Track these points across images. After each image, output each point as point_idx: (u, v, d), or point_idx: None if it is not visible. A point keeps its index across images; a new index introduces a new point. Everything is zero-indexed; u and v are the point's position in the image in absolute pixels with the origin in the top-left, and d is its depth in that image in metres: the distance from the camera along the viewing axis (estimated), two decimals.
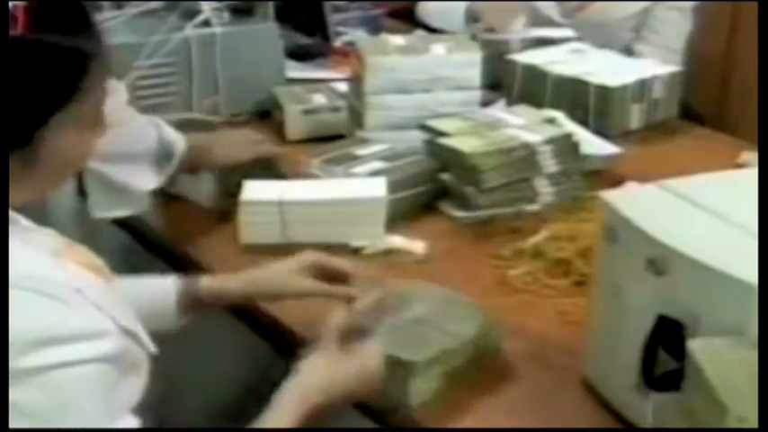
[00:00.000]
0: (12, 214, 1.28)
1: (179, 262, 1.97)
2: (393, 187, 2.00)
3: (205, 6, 2.53)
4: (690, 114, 2.72)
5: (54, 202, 2.26)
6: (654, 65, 2.63)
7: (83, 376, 1.20)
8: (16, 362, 1.15)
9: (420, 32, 2.86)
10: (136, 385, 1.32)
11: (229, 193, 2.05)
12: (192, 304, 1.64)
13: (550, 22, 3.00)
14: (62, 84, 1.25)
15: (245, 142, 2.17)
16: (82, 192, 2.06)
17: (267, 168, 2.14)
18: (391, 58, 2.29)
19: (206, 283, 1.65)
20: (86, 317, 1.22)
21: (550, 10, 3.06)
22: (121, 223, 2.14)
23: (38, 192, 1.30)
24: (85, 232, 2.00)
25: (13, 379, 1.15)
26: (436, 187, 2.10)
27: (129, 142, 1.96)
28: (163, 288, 1.64)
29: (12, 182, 1.25)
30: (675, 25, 3.08)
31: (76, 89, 1.26)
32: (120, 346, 1.25)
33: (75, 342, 1.20)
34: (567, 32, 2.87)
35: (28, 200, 1.31)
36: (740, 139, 2.47)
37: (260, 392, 1.44)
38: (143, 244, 2.14)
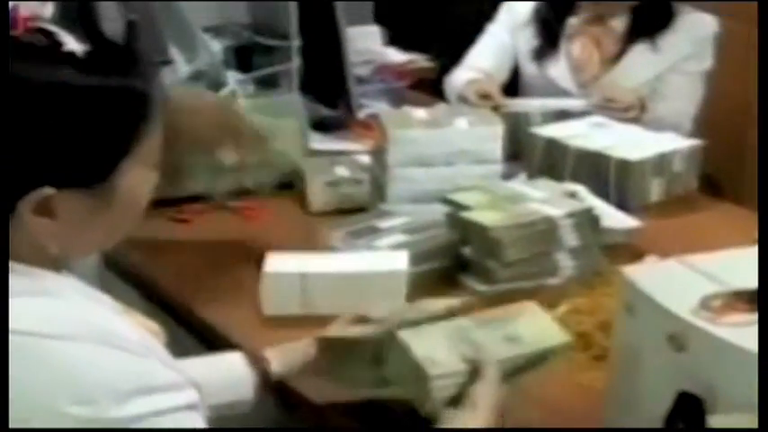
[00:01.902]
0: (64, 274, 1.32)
1: (197, 328, 2.00)
2: (414, 260, 2.02)
3: (231, 78, 2.57)
4: (709, 184, 2.74)
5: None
6: (674, 139, 2.65)
7: (180, 421, 1.25)
8: (114, 412, 1.19)
9: (442, 105, 2.89)
10: None
11: None
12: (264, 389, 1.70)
13: (567, 94, 3.03)
14: (132, 125, 1.29)
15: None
16: None
17: None
18: (414, 131, 2.32)
19: (277, 368, 1.70)
20: (166, 369, 1.26)
21: (567, 82, 3.09)
22: (139, 285, 2.17)
23: (112, 236, 1.36)
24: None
25: (111, 429, 1.19)
26: (457, 260, 2.12)
27: None
28: (239, 378, 1.69)
29: (87, 226, 1.29)
30: (687, 91, 3.10)
31: (143, 129, 1.30)
32: (197, 396, 1.29)
33: (167, 391, 1.24)
34: (585, 104, 2.89)
35: (102, 245, 1.38)
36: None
37: None
38: (160, 305, 2.17)
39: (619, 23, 3.09)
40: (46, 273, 1.29)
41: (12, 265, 1.27)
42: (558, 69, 3.12)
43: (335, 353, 1.68)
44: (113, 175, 1.29)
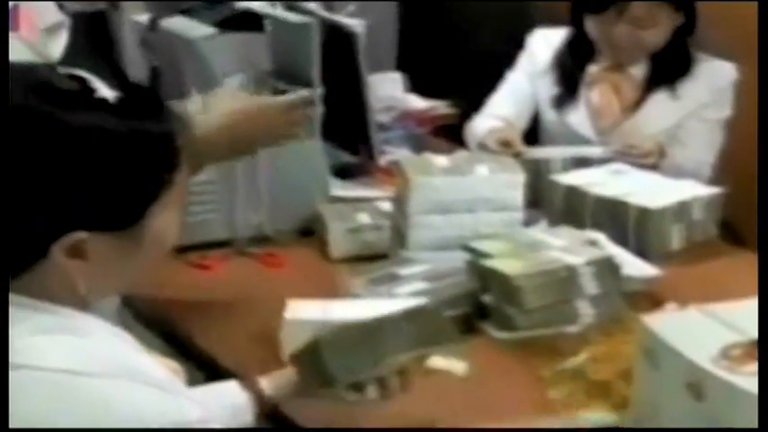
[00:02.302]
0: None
1: (216, 372, 2.01)
2: None
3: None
4: (729, 232, 2.74)
5: None
6: (693, 186, 2.66)
7: None
8: None
9: (463, 152, 2.90)
10: None
11: None
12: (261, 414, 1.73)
13: (586, 141, 3.04)
14: (162, 170, 1.33)
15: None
16: None
17: None
18: (435, 178, 2.33)
19: (270, 392, 1.74)
20: (194, 405, 1.29)
21: (586, 129, 3.10)
22: (158, 327, 2.18)
23: (138, 276, 1.39)
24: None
25: None
26: (478, 308, 2.13)
27: None
28: (240, 405, 1.71)
29: (116, 268, 1.33)
30: (706, 139, 3.11)
31: (173, 173, 1.33)
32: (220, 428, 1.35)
33: (197, 425, 1.27)
34: (605, 150, 2.91)
35: (128, 286, 1.42)
36: None
37: None
38: (178, 349, 2.18)
39: (638, 71, 3.10)
40: (73, 312, 1.32)
41: (39, 303, 1.29)
42: (578, 116, 3.13)
43: (304, 366, 1.72)
44: (144, 219, 1.32)
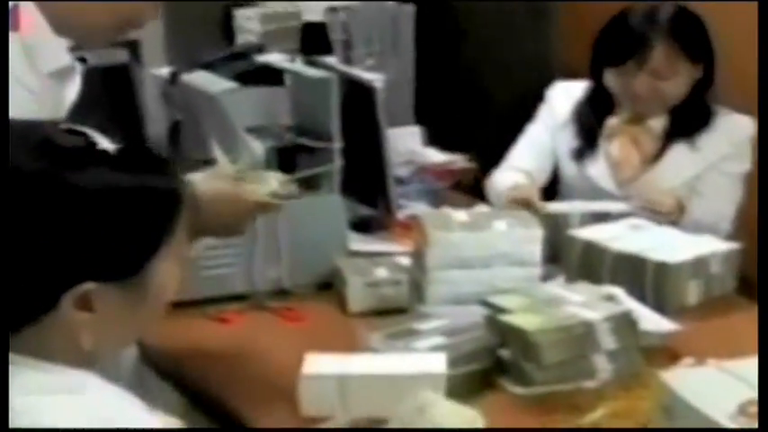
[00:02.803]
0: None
1: (234, 427, 2.01)
2: (453, 363, 2.03)
3: (273, 179, 2.60)
4: (747, 286, 2.74)
5: None
6: (711, 241, 2.66)
7: None
8: None
9: (482, 207, 2.92)
10: None
11: None
12: None
13: (606, 194, 3.05)
14: (163, 221, 1.38)
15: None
16: None
17: None
18: (454, 234, 2.34)
19: None
20: None
21: (606, 182, 3.11)
22: (176, 382, 2.19)
23: (140, 330, 1.45)
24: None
25: None
26: (496, 363, 2.13)
27: None
28: None
29: (121, 320, 1.37)
30: (726, 192, 3.11)
31: (173, 224, 1.39)
32: None
33: None
34: (624, 206, 2.91)
35: (131, 340, 1.48)
36: None
37: None
38: (197, 403, 2.19)
39: (657, 124, 3.11)
40: (71, 370, 1.34)
41: (32, 361, 1.31)
42: (598, 169, 3.14)
43: None
44: (147, 269, 1.36)
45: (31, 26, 2.07)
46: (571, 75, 3.43)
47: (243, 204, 2.23)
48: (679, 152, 3.10)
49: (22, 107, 1.96)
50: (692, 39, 3.05)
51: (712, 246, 2.62)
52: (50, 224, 1.28)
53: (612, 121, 3.14)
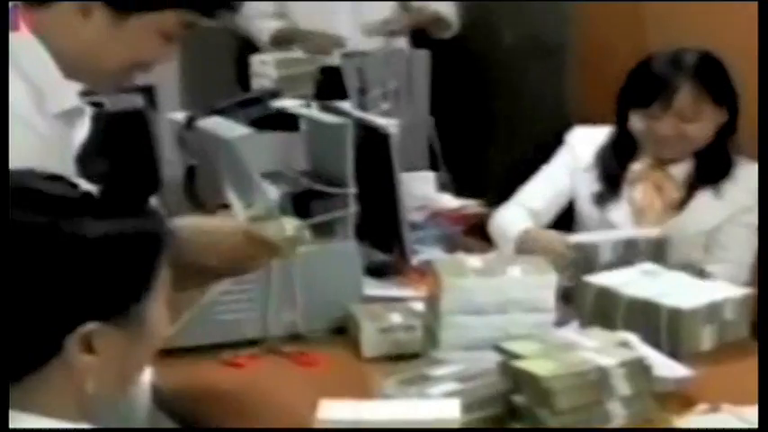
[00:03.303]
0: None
1: None
2: (466, 409, 2.03)
3: (287, 224, 2.61)
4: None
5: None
6: (725, 287, 2.66)
7: None
8: None
9: (496, 252, 2.93)
10: None
11: None
12: None
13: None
14: (153, 260, 1.45)
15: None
16: None
17: None
18: (468, 280, 2.34)
19: None
20: None
21: (628, 227, 3.11)
22: (190, 428, 2.19)
23: (140, 369, 1.51)
24: None
25: None
26: (509, 409, 2.13)
27: None
28: None
29: (121, 361, 1.43)
30: (745, 242, 3.12)
31: (161, 263, 1.46)
32: None
33: None
34: (653, 230, 2.92)
35: (129, 382, 1.50)
36: None
37: None
38: None
39: (680, 170, 3.13)
40: (64, 423, 1.38)
41: (38, 419, 1.33)
42: (620, 214, 3.15)
43: None
44: (142, 307, 1.43)
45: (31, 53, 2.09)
46: (584, 120, 3.45)
47: (242, 237, 2.24)
48: (703, 199, 3.11)
49: (28, 149, 1.98)
50: (717, 82, 3.09)
51: (726, 291, 2.62)
52: (50, 272, 1.34)
53: (636, 166, 3.16)
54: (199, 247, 2.15)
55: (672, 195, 3.13)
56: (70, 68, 2.15)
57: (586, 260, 2.81)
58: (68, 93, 2.16)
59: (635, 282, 2.64)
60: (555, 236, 3.01)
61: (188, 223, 2.17)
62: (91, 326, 1.36)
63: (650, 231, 2.97)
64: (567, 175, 3.26)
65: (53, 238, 1.35)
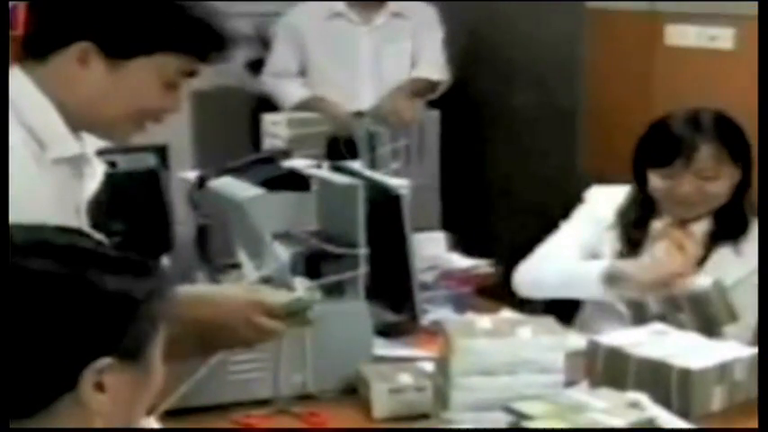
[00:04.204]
0: None
1: None
2: None
3: (298, 284, 2.62)
4: None
5: None
6: (735, 347, 2.67)
7: None
8: None
9: (506, 313, 2.93)
10: None
11: None
12: None
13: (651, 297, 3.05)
14: (159, 311, 1.54)
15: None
16: None
17: None
18: (478, 341, 2.34)
19: None
20: None
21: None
22: None
23: (143, 412, 1.56)
24: None
25: None
26: None
27: None
28: None
29: (128, 400, 1.50)
30: (755, 303, 3.11)
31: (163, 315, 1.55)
32: None
33: None
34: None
35: (137, 421, 1.56)
36: None
37: None
38: None
39: (700, 228, 3.14)
40: None
41: None
42: None
43: None
44: (149, 350, 1.51)
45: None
46: (595, 180, 3.47)
47: (245, 313, 2.27)
48: (723, 256, 3.12)
49: (26, 195, 2.01)
50: (734, 140, 3.11)
51: (736, 352, 2.62)
52: (70, 316, 1.42)
53: (657, 225, 3.17)
54: (202, 322, 2.19)
55: (692, 253, 3.13)
56: (75, 120, 2.18)
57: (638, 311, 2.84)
58: (70, 141, 2.19)
59: (645, 342, 2.65)
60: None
61: (192, 296, 2.20)
62: (105, 361, 1.43)
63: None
64: (589, 232, 3.27)
65: (77, 288, 1.43)
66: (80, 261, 1.46)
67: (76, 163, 2.24)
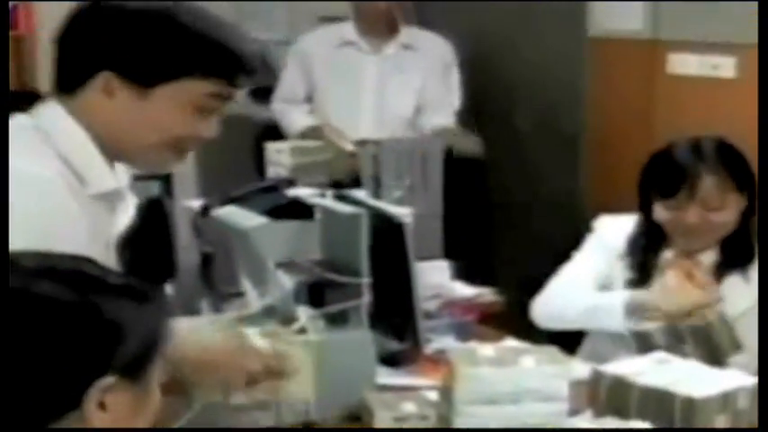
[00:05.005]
0: None
1: None
2: None
3: (302, 313, 2.63)
4: None
5: None
6: (738, 375, 2.67)
7: None
8: None
9: (510, 341, 2.94)
10: None
11: None
12: None
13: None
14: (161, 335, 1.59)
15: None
16: None
17: None
18: (481, 369, 2.35)
19: None
20: None
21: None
22: None
23: (148, 423, 1.59)
24: None
25: None
26: None
27: None
28: None
29: (129, 421, 1.53)
30: (758, 331, 3.12)
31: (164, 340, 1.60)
32: None
33: None
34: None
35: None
36: None
37: None
38: None
39: (708, 258, 3.14)
40: None
41: None
42: None
43: None
44: (149, 371, 1.56)
45: None
46: (599, 208, 3.47)
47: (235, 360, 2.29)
48: (733, 285, 3.12)
49: (70, 229, 2.01)
50: (738, 168, 3.10)
51: (739, 380, 2.62)
52: (76, 339, 1.47)
53: (667, 255, 3.16)
54: (193, 366, 2.20)
55: (702, 283, 3.13)
56: (109, 151, 2.17)
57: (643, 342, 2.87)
58: (107, 176, 2.18)
59: (648, 371, 2.65)
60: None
61: (185, 338, 2.18)
62: (107, 381, 1.47)
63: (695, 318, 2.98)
64: (601, 261, 3.28)
65: (82, 312, 1.48)
66: (86, 286, 1.50)
67: (111, 198, 2.23)
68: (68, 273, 1.52)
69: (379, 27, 5.07)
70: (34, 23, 3.85)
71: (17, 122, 2.19)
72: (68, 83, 2.19)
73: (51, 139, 2.13)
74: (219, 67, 2.19)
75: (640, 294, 3.10)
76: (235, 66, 2.21)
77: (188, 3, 2.22)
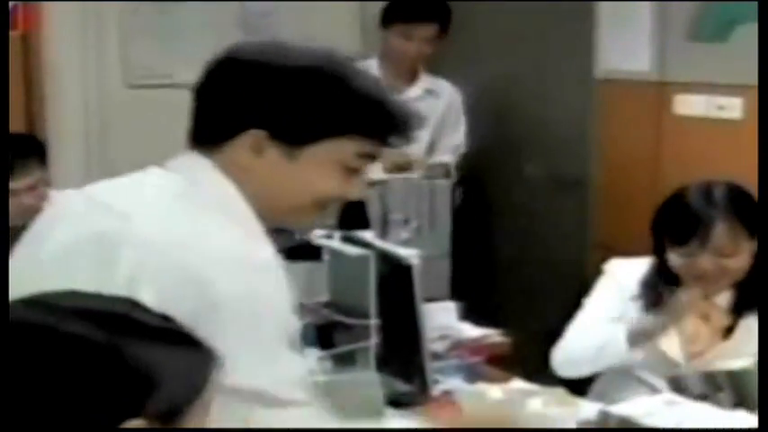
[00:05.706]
0: None
1: None
2: None
3: (310, 355, 2.63)
4: None
5: None
6: (743, 416, 2.66)
7: None
8: None
9: (517, 383, 2.93)
10: None
11: None
12: None
13: (675, 365, 3.05)
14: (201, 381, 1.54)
15: None
16: None
17: None
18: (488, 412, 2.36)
19: None
20: None
21: (677, 354, 3.10)
22: None
23: None
24: None
25: None
26: None
27: None
28: None
29: None
30: None
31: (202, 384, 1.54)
32: None
33: None
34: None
35: None
36: None
37: None
38: None
39: (724, 298, 3.13)
40: None
41: None
42: (669, 342, 3.13)
43: None
44: (184, 416, 1.49)
45: None
46: (605, 249, 3.47)
47: None
48: (749, 325, 3.10)
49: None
50: (749, 213, 3.09)
51: (747, 421, 2.62)
52: (107, 380, 1.43)
53: (683, 297, 3.15)
54: None
55: (718, 323, 3.12)
56: (256, 211, 2.07)
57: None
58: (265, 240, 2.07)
59: (656, 412, 2.65)
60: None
61: None
62: (136, 423, 1.43)
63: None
64: (614, 303, 3.26)
65: (112, 354, 1.45)
66: (119, 328, 1.48)
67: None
68: (104, 314, 1.50)
69: (404, 70, 5.09)
70: (41, 21, 3.80)
71: (165, 181, 2.09)
72: (212, 137, 2.08)
73: (220, 205, 2.03)
74: (373, 127, 2.09)
75: (641, 321, 3.09)
76: (391, 125, 2.11)
77: (339, 56, 2.12)
